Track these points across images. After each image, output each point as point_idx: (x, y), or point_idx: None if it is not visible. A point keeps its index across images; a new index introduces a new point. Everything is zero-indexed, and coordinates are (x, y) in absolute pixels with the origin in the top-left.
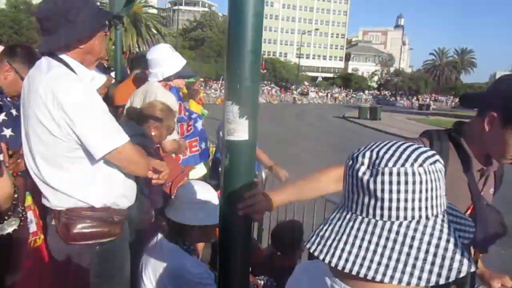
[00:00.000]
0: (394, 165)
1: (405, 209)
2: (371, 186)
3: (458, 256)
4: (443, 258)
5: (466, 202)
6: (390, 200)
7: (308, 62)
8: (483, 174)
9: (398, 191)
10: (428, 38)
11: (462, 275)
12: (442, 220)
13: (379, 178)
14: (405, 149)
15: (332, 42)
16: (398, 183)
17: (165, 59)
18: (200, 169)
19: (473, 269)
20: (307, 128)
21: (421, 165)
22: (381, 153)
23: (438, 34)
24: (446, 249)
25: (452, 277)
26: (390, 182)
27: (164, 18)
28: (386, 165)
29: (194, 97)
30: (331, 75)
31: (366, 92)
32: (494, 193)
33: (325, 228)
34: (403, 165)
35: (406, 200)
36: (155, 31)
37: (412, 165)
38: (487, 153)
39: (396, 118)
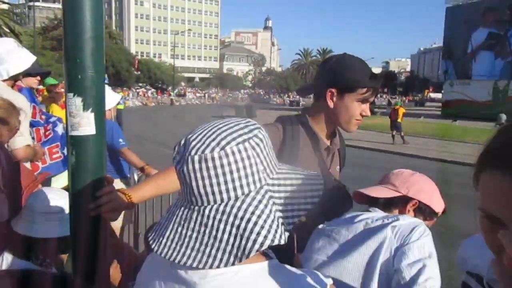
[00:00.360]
0: (196, 152)
1: (213, 193)
2: (181, 175)
3: (253, 236)
4: (241, 238)
5: None
6: (198, 187)
7: (183, 63)
8: (330, 152)
9: (202, 178)
10: (294, 39)
11: (253, 254)
12: (253, 198)
13: (185, 167)
14: (212, 133)
15: (205, 42)
16: (200, 169)
17: (10, 55)
18: (65, 177)
19: (265, 246)
20: (185, 129)
21: (223, 148)
22: (190, 141)
23: (303, 35)
24: (244, 229)
25: (245, 257)
26: (194, 170)
27: (18, 15)
28: (189, 153)
29: (56, 101)
30: (207, 75)
31: (242, 91)
32: (340, 171)
33: (163, 217)
34: (203, 151)
35: (211, 185)
36: (7, 30)
37: (212, 150)
38: (331, 131)
39: (271, 115)
